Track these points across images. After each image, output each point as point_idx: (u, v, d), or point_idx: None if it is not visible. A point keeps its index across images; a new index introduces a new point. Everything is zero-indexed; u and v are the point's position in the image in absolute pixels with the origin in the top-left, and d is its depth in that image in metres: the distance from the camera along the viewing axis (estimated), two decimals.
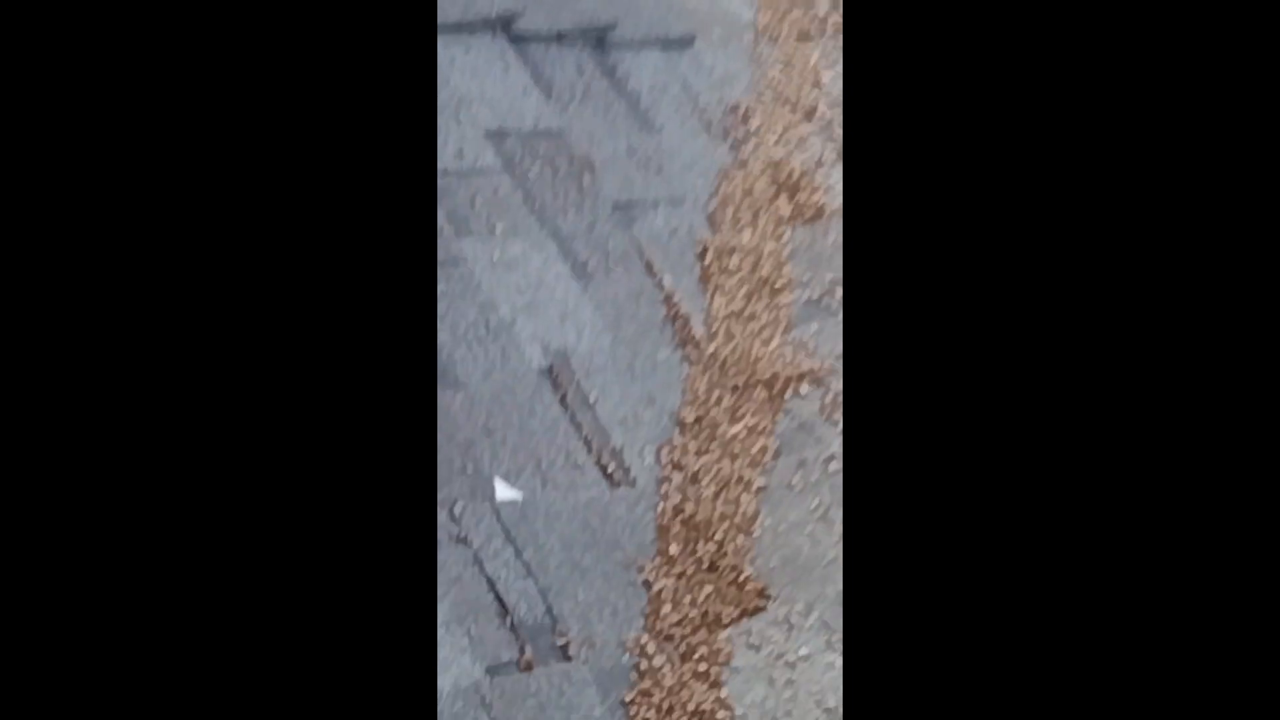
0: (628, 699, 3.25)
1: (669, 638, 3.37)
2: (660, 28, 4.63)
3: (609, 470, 3.61)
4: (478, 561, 3.30)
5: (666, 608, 3.41)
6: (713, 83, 4.62)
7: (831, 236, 4.31)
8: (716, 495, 3.64)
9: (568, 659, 3.26)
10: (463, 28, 4.23)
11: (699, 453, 3.72)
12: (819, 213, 4.34)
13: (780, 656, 3.41)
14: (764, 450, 3.77)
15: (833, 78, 4.75)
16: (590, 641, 3.30)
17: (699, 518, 3.58)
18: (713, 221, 4.26)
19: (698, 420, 3.78)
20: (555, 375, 3.72)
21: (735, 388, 3.88)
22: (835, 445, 3.79)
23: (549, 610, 3.31)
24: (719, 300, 4.07)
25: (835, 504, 3.67)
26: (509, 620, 3.26)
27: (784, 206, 4.34)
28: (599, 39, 4.49)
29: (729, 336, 3.99)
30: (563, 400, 3.69)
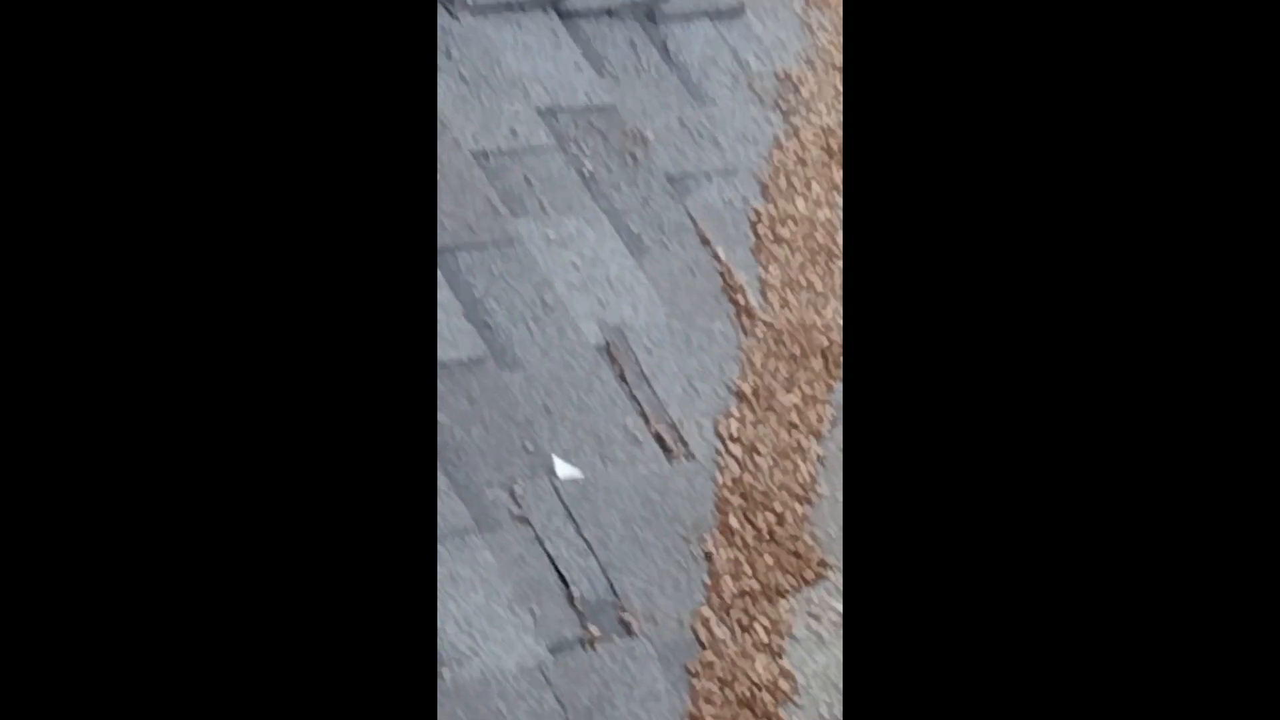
0: (691, 671, 3.30)
1: (730, 609, 3.42)
2: None
3: (667, 444, 3.65)
4: (539, 541, 3.36)
5: (727, 579, 3.46)
6: (763, 51, 4.63)
7: None
8: (774, 465, 3.68)
9: (631, 635, 3.32)
10: (513, 7, 4.26)
11: (756, 423, 3.75)
12: None
13: (841, 625, 3.46)
14: (821, 418, 3.80)
15: None
16: (652, 616, 3.35)
17: (758, 488, 3.62)
18: (766, 191, 4.29)
19: (755, 391, 3.82)
20: (612, 351, 3.76)
21: (792, 357, 3.91)
22: None
23: (611, 586, 3.36)
24: (774, 270, 4.10)
25: None
26: (572, 598, 3.31)
27: (837, 173, 4.36)
28: (649, 12, 4.51)
29: (784, 305, 4.02)
30: (620, 376, 3.73)
